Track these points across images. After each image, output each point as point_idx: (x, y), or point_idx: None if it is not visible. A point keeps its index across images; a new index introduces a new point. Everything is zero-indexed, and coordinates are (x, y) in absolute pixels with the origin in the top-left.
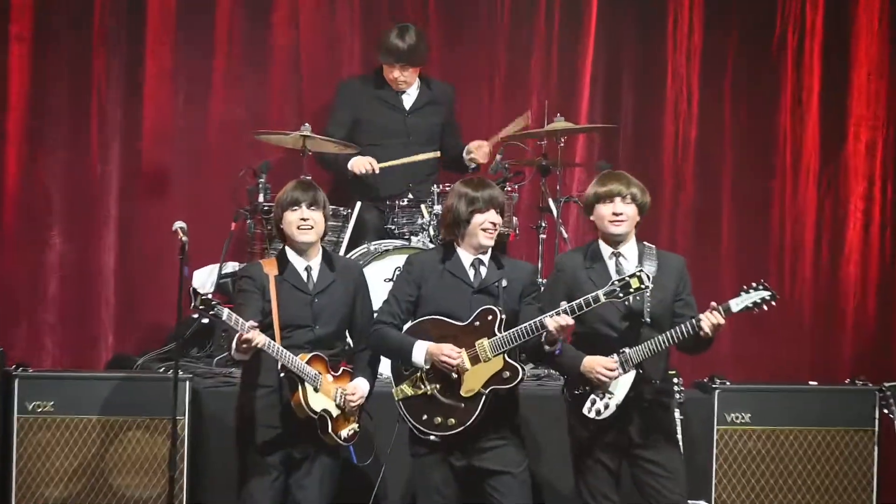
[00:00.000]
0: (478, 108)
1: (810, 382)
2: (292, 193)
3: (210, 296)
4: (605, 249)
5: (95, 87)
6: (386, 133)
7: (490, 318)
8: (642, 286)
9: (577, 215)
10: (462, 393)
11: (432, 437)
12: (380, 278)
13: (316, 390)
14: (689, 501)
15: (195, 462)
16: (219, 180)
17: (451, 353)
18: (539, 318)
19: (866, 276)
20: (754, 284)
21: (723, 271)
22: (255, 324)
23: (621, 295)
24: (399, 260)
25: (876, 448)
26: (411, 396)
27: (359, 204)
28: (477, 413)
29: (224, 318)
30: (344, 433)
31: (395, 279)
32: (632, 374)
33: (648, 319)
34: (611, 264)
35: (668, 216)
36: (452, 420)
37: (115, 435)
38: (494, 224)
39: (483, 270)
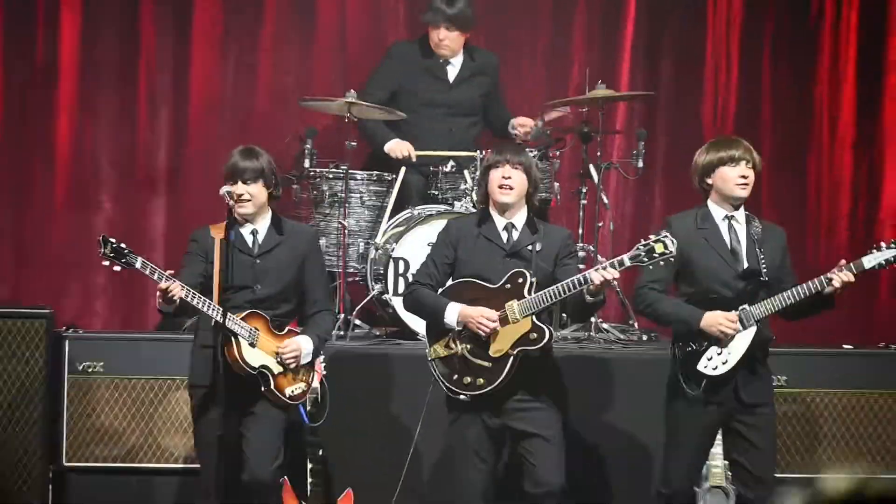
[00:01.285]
0: (519, 75)
1: (845, 346)
2: (232, 164)
3: (123, 245)
4: (718, 212)
5: (144, 54)
6: (428, 103)
7: (520, 280)
8: (667, 251)
9: (616, 181)
10: (491, 353)
11: (462, 397)
12: (423, 242)
13: (252, 346)
14: (725, 461)
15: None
16: (265, 146)
17: (490, 315)
18: (580, 275)
19: None
20: (884, 244)
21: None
22: (171, 272)
23: (645, 259)
24: (442, 224)
25: None
26: (443, 357)
27: (403, 169)
28: (505, 374)
29: (138, 266)
30: (289, 391)
31: (434, 243)
32: (752, 331)
33: (767, 278)
34: (723, 226)
35: None
36: (481, 380)
37: (164, 395)
38: (507, 179)
39: (515, 234)
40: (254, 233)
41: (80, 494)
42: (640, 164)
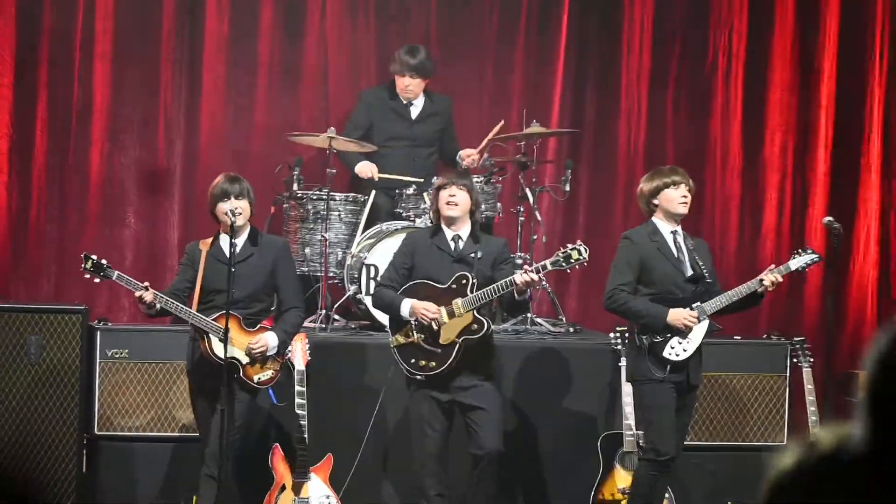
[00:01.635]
0: (469, 114)
1: (735, 337)
2: (222, 186)
3: (103, 261)
4: (664, 227)
5: (162, 98)
6: (394, 137)
7: (464, 282)
8: (580, 257)
9: (548, 202)
10: (441, 342)
11: (418, 377)
12: (390, 251)
13: (221, 340)
14: (638, 431)
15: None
16: (261, 172)
17: (429, 307)
18: (508, 278)
19: (780, 252)
20: (801, 250)
21: None
22: (146, 284)
23: (563, 265)
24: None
25: (787, 390)
26: (403, 344)
27: (373, 192)
28: (452, 358)
29: (114, 278)
30: (257, 378)
31: (395, 251)
32: (706, 323)
33: (710, 280)
34: (669, 238)
35: (621, 206)
36: (433, 363)
37: (177, 376)
38: (453, 196)
39: (461, 244)
40: (233, 245)
41: (108, 458)
42: (567, 188)
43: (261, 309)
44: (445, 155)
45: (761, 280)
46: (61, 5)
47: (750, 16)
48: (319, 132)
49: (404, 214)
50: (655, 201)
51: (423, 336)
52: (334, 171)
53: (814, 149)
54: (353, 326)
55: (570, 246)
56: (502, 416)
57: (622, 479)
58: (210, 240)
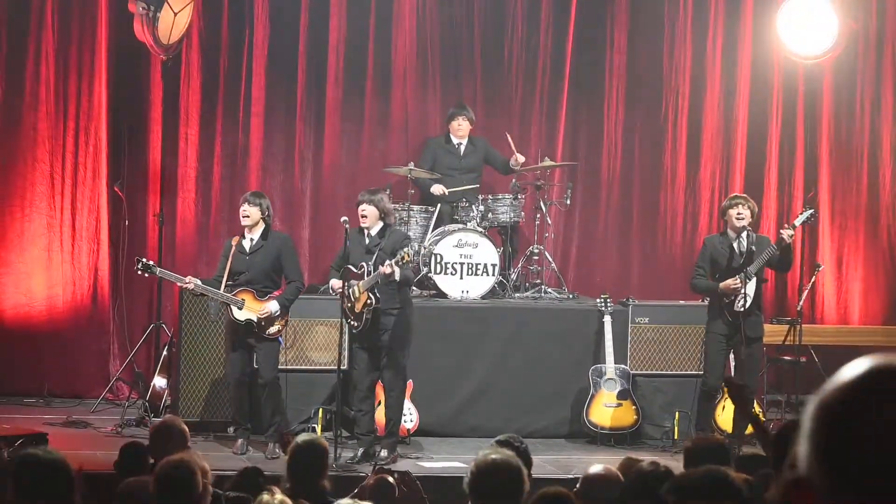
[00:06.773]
0: (502, 149)
1: (680, 301)
2: (243, 197)
3: (151, 262)
4: (732, 234)
5: (297, 141)
6: (449, 167)
7: (362, 270)
8: (411, 259)
9: (556, 211)
10: (356, 310)
11: (353, 330)
12: (449, 245)
13: (240, 308)
14: (617, 364)
15: (351, 343)
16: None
17: (336, 285)
18: (380, 269)
19: None
20: (804, 208)
21: (633, 236)
22: (188, 277)
23: (400, 263)
24: (461, 236)
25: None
26: (347, 305)
27: (439, 205)
28: (363, 321)
29: (158, 274)
30: (270, 331)
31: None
32: (754, 281)
33: (753, 270)
34: (735, 244)
35: (603, 214)
36: (355, 323)
37: (311, 328)
38: (363, 211)
39: (369, 239)
40: (251, 240)
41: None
42: (569, 202)
43: (268, 284)
44: (499, 169)
45: (781, 237)
46: (230, 81)
47: (691, 83)
48: (402, 165)
49: (459, 220)
50: (725, 217)
51: (350, 304)
52: (413, 191)
53: (733, 173)
54: (424, 295)
55: (405, 251)
56: (403, 362)
57: (606, 397)
58: (238, 237)
